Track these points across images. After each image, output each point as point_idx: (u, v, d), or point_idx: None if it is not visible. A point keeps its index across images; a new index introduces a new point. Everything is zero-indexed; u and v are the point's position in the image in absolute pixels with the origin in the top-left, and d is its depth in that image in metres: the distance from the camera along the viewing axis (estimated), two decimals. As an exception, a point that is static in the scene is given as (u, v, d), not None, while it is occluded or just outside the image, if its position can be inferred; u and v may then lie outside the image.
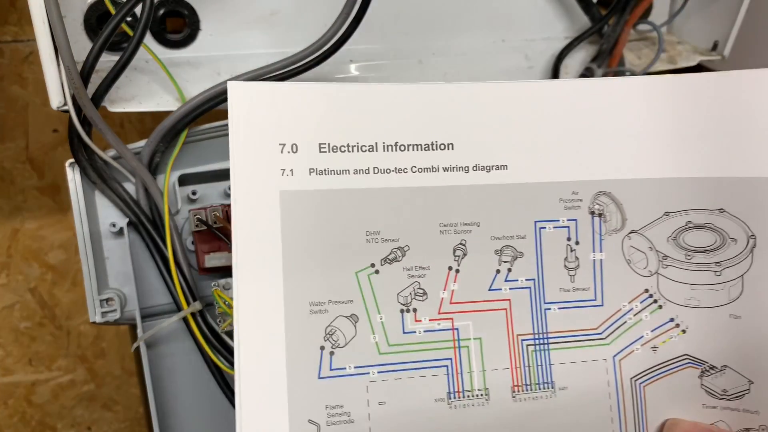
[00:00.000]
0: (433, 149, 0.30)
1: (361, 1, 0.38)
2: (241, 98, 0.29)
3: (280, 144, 0.29)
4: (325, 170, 0.30)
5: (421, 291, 0.30)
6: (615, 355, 0.31)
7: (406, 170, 0.30)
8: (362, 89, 0.30)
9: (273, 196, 0.29)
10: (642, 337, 0.31)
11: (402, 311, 0.30)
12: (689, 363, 0.31)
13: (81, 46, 0.40)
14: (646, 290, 0.31)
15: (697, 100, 0.31)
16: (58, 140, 0.59)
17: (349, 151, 0.30)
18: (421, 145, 0.30)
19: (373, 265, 0.30)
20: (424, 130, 0.30)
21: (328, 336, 0.29)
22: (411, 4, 0.47)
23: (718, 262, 0.31)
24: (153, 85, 0.41)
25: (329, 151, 0.30)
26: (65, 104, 0.36)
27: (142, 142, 0.39)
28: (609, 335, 0.31)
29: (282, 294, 0.29)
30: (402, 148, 0.30)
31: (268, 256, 0.29)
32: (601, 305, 0.31)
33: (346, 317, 0.30)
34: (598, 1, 0.51)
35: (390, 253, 0.30)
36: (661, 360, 0.31)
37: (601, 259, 0.31)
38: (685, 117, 0.31)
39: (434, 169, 0.30)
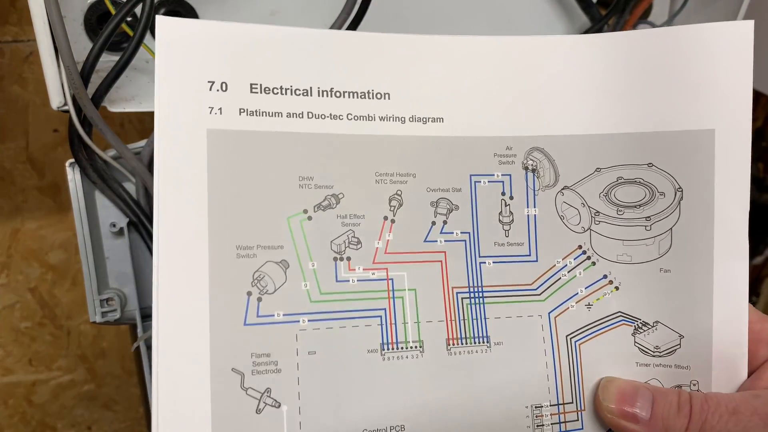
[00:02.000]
0: (369, 98, 0.30)
1: (361, 1, 0.39)
2: (169, 34, 0.28)
3: (208, 81, 0.28)
4: (256, 111, 0.29)
5: (355, 240, 0.30)
6: (550, 312, 0.31)
7: (341, 117, 0.29)
8: (298, 32, 0.29)
9: (199, 135, 0.28)
10: (577, 294, 0.31)
11: (335, 259, 0.29)
12: (623, 320, 0.31)
13: (81, 46, 0.40)
14: (580, 246, 0.32)
15: (625, 57, 0.31)
16: (58, 140, 0.59)
17: (282, 94, 0.29)
18: (357, 92, 0.30)
19: (305, 212, 0.29)
20: (361, 78, 0.30)
21: (255, 281, 0.28)
22: (411, 4, 0.47)
23: (648, 217, 0.31)
24: (153, 85, 0.41)
25: (261, 92, 0.29)
26: (65, 104, 0.36)
27: (142, 142, 0.39)
28: (543, 291, 0.31)
29: (206, 235, 0.28)
30: (338, 94, 0.30)
31: (193, 196, 0.28)
32: (536, 261, 0.31)
33: (276, 263, 0.29)
34: (597, 1, 0.51)
35: (324, 200, 0.29)
36: (595, 318, 0.31)
37: (534, 215, 0.31)
38: (615, 74, 0.31)
39: (370, 118, 0.30)
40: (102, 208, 0.40)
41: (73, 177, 0.38)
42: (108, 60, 0.39)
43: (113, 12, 0.35)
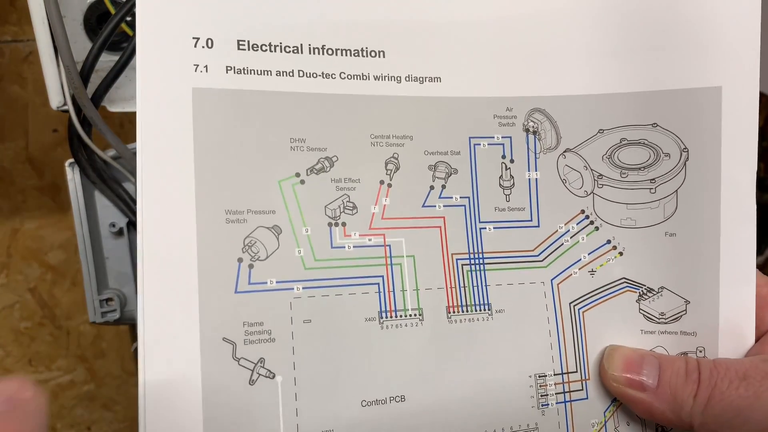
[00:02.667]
0: (363, 56, 0.29)
1: (361, 0, 0.38)
2: None
3: (193, 38, 0.27)
4: (244, 69, 0.27)
5: (350, 204, 0.28)
6: (553, 279, 0.30)
7: (334, 76, 0.28)
8: None
9: (185, 93, 0.27)
10: (580, 260, 0.31)
11: (330, 225, 0.28)
12: (627, 286, 0.31)
13: (81, 46, 0.40)
14: (582, 211, 0.31)
15: (628, 13, 0.30)
16: (58, 140, 0.59)
17: (271, 51, 0.28)
18: (350, 50, 0.28)
19: (298, 175, 0.28)
20: (354, 34, 0.28)
21: (246, 247, 0.27)
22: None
23: (653, 179, 0.30)
24: (153, 85, 0.41)
25: (249, 49, 0.27)
26: (65, 104, 0.36)
27: (142, 142, 0.39)
28: (546, 258, 0.30)
29: (193, 200, 0.26)
30: (330, 52, 0.28)
31: (178, 159, 0.26)
32: (537, 226, 0.30)
33: (268, 228, 0.27)
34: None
35: (317, 163, 0.28)
36: (599, 284, 0.31)
37: (536, 178, 0.30)
38: (618, 31, 0.30)
39: (365, 77, 0.29)
40: (102, 208, 0.40)
41: (73, 177, 0.38)
42: (108, 60, 0.39)
43: (113, 12, 0.35)
